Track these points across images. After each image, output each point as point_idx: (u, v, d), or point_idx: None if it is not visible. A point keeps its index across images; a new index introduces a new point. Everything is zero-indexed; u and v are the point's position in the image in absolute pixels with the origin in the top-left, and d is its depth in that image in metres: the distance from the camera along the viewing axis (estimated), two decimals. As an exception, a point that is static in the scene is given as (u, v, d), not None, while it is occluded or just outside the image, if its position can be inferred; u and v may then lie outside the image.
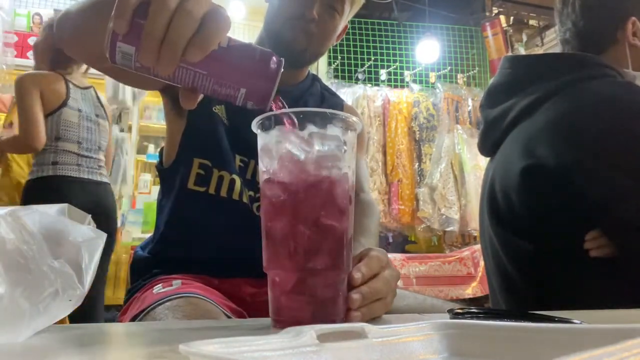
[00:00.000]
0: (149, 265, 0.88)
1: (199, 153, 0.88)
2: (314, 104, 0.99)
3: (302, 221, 0.48)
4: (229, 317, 0.73)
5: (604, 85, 0.97)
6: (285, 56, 0.51)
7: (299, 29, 0.88)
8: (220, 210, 0.87)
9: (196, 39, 0.43)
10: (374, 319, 0.55)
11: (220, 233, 0.87)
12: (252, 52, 0.48)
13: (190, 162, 0.88)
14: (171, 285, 0.78)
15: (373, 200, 1.00)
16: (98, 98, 2.37)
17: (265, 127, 0.50)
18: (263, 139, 0.51)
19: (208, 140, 0.89)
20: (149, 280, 0.85)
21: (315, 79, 1.06)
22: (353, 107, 1.36)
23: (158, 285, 0.80)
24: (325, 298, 0.48)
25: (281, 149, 0.49)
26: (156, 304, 0.71)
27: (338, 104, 1.07)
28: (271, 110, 0.50)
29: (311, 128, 0.48)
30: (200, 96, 0.49)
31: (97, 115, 2.31)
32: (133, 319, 0.74)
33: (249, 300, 0.85)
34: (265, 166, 0.51)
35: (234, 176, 0.88)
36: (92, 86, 2.35)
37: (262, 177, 0.52)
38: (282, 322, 0.48)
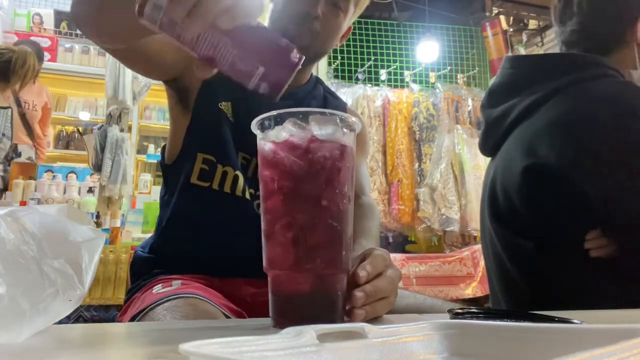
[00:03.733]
0: (149, 265, 0.89)
1: (204, 148, 0.88)
2: (317, 107, 0.99)
3: (300, 202, 0.48)
4: (228, 317, 0.73)
5: (605, 85, 0.97)
6: None
7: (303, 27, 0.87)
8: (223, 206, 0.87)
9: (232, 8, 0.44)
10: (375, 318, 0.55)
11: (222, 229, 0.87)
12: (278, 38, 0.49)
13: (194, 156, 0.88)
14: (171, 286, 0.78)
15: (374, 203, 1.00)
16: (11, 118, 2.65)
17: (264, 128, 0.50)
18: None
19: (213, 135, 0.89)
20: (149, 280, 0.85)
21: (318, 81, 1.06)
22: (353, 108, 1.36)
23: (158, 286, 0.80)
24: (325, 274, 0.49)
25: (280, 136, 0.49)
26: (155, 304, 0.71)
27: (341, 106, 1.07)
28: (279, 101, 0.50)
29: (311, 127, 0.49)
30: (214, 70, 0.49)
31: (3, 135, 2.61)
32: (132, 319, 0.74)
33: (249, 300, 0.85)
34: (264, 152, 0.51)
35: (238, 172, 0.88)
36: (10, 107, 2.61)
37: (261, 164, 0.52)
38: (282, 322, 0.48)
